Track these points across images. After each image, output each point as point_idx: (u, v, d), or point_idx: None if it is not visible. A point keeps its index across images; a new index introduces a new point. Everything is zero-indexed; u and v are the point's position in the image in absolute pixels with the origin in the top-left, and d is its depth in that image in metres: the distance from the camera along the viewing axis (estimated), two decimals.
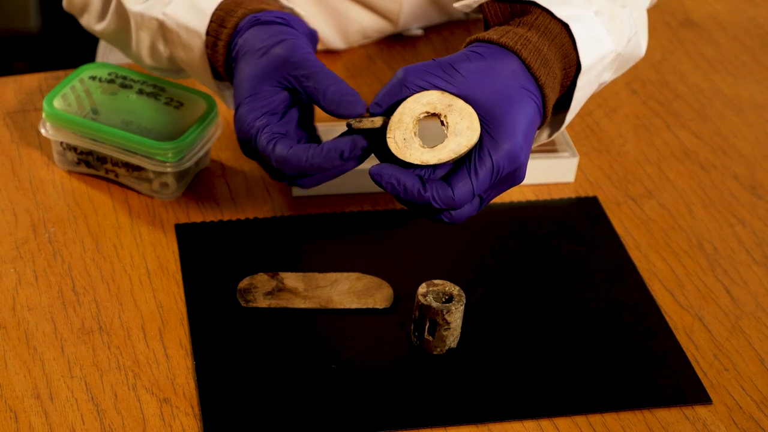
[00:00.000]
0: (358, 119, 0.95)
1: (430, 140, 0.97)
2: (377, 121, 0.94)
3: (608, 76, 1.08)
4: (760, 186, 1.22)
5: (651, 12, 1.44)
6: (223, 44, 1.05)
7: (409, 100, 0.93)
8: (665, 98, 1.33)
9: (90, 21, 1.20)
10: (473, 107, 0.94)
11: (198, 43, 1.06)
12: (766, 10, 1.49)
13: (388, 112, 0.95)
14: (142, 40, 1.13)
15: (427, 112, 0.93)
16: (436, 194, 0.93)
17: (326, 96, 0.97)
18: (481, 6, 1.05)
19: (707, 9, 1.48)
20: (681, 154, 1.26)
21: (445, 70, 0.95)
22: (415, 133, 0.93)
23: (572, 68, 1.01)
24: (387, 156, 0.95)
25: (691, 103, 1.33)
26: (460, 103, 0.93)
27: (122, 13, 1.14)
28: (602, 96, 1.32)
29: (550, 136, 1.06)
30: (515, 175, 0.95)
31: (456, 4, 1.08)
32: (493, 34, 0.99)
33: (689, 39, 1.43)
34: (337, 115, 0.96)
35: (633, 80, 1.35)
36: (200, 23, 1.06)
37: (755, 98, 1.34)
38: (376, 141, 0.96)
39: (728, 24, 1.46)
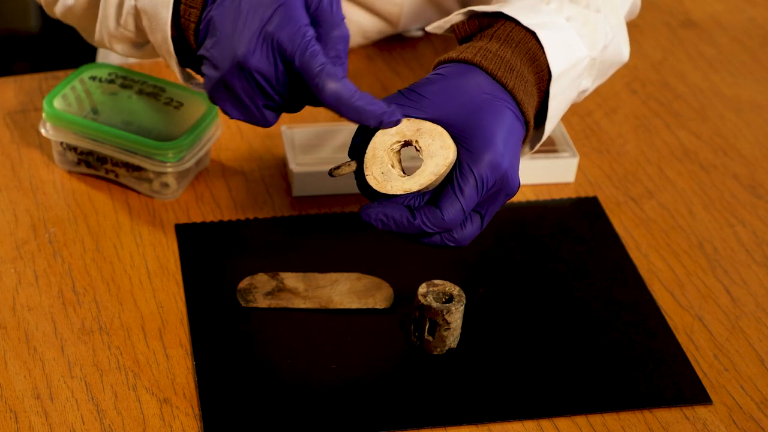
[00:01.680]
0: (335, 167, 0.95)
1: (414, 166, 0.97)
2: (353, 164, 0.95)
3: (587, 83, 1.06)
4: (760, 186, 1.22)
5: (651, 12, 1.44)
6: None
7: (377, 134, 0.94)
8: (665, 98, 1.33)
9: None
10: (445, 127, 0.94)
11: (165, 16, 0.99)
12: (766, 10, 1.49)
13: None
14: (110, 5, 1.06)
15: (399, 141, 0.94)
16: (426, 219, 0.92)
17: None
18: (452, 28, 1.04)
19: (707, 9, 1.48)
20: (681, 154, 1.26)
21: (410, 98, 0.95)
22: (392, 165, 0.94)
23: (543, 73, 1.00)
24: (373, 194, 0.95)
25: (691, 103, 1.33)
26: (428, 125, 0.93)
27: None
28: (602, 96, 1.32)
29: (532, 148, 1.05)
30: (505, 184, 0.94)
31: (427, 28, 1.07)
32: (452, 53, 0.99)
33: (689, 39, 1.43)
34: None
35: (633, 80, 1.35)
36: None
37: (755, 98, 1.34)
38: (359, 183, 0.96)
39: (728, 24, 1.46)
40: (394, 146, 0.94)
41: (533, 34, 1.00)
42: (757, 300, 1.09)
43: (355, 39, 1.35)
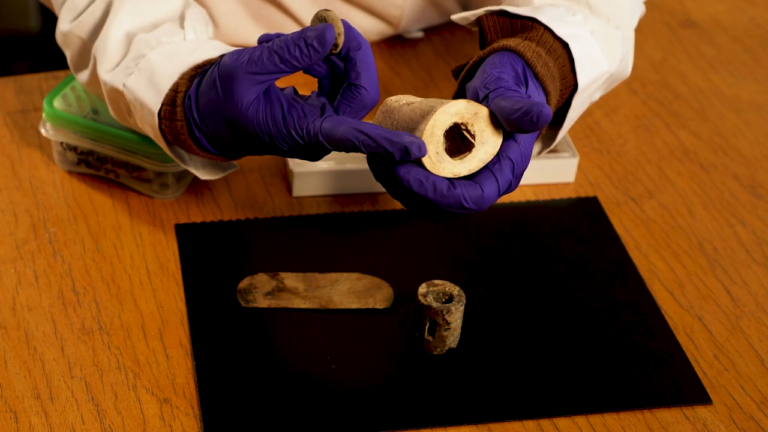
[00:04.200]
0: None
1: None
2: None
3: (597, 96, 1.09)
4: (760, 186, 1.22)
5: (651, 12, 1.44)
6: (182, 97, 0.99)
7: (438, 111, 0.90)
8: (665, 98, 1.33)
9: (71, 64, 1.13)
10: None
11: (152, 121, 1.01)
12: (766, 10, 1.49)
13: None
14: (110, 104, 1.07)
15: (455, 123, 0.92)
16: (465, 193, 0.91)
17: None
18: (479, 19, 1.04)
19: (707, 9, 1.48)
20: (681, 154, 1.26)
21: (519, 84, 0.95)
22: (445, 146, 0.92)
23: (568, 90, 1.02)
24: (385, 173, 0.93)
25: (691, 103, 1.33)
26: (484, 110, 0.92)
27: (95, 70, 1.10)
28: (602, 96, 1.32)
29: (540, 152, 1.06)
30: (522, 173, 0.95)
31: (453, 17, 1.07)
32: (506, 41, 0.99)
33: (689, 39, 1.43)
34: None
35: (633, 80, 1.35)
36: (155, 101, 1.00)
37: (755, 98, 1.34)
38: (372, 163, 0.94)
39: (728, 24, 1.46)
40: (449, 127, 0.92)
41: (565, 44, 1.01)
42: (757, 300, 1.09)
43: None
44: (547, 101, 0.98)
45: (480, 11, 1.04)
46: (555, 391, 0.99)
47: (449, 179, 0.91)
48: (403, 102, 0.95)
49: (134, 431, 0.95)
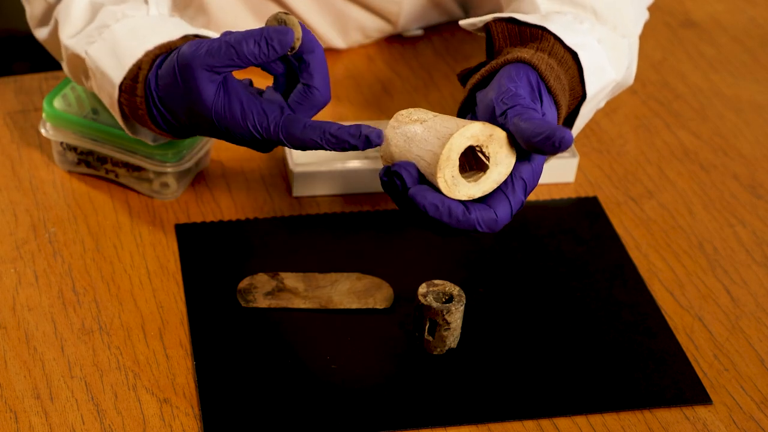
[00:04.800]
0: None
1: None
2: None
3: (603, 103, 1.09)
4: (760, 186, 1.22)
5: (651, 12, 1.44)
6: (144, 77, 1.01)
7: (455, 135, 0.90)
8: (665, 98, 1.33)
9: (32, 23, 1.17)
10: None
11: (111, 92, 1.03)
12: (766, 10, 1.49)
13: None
14: (70, 69, 1.11)
15: (471, 146, 0.92)
16: (480, 218, 0.91)
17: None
18: (486, 25, 1.04)
19: (707, 9, 1.48)
20: (681, 154, 1.26)
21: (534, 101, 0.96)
22: (459, 169, 0.92)
23: (576, 99, 1.02)
24: (399, 194, 0.93)
25: (691, 103, 1.33)
26: (499, 132, 0.92)
27: (56, 33, 1.13)
28: None
29: (546, 160, 1.06)
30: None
31: (461, 23, 1.07)
32: (518, 52, 0.99)
33: (689, 39, 1.43)
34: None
35: (633, 80, 1.35)
36: (117, 74, 1.03)
37: (755, 98, 1.34)
38: (388, 183, 0.94)
39: (728, 24, 1.46)
40: (465, 150, 0.92)
41: (573, 54, 1.01)
42: (757, 300, 1.09)
43: (355, 37, 1.35)
44: (558, 114, 0.98)
45: (488, 17, 1.04)
46: (555, 391, 0.99)
47: (464, 202, 0.91)
48: (414, 118, 0.94)
49: (134, 431, 0.95)
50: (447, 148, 0.90)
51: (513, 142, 0.92)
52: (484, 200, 0.92)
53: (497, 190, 0.93)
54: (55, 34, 1.13)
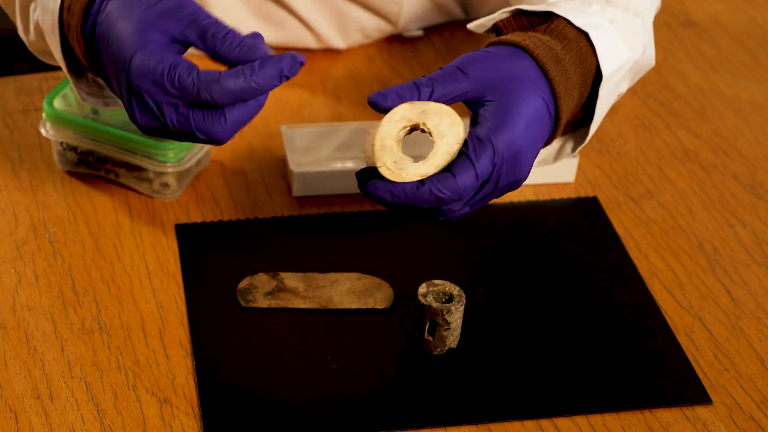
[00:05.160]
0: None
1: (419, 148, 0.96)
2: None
3: (624, 87, 1.06)
4: (760, 186, 1.22)
5: None
6: (80, 6, 0.96)
7: (382, 123, 0.92)
8: (665, 98, 1.33)
9: None
10: (478, 98, 0.93)
11: (52, 5, 0.98)
12: (766, 10, 1.49)
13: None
14: (21, 3, 1.06)
15: (405, 127, 0.92)
16: (436, 186, 0.90)
17: (225, 42, 0.91)
18: (496, 25, 1.04)
19: (707, 9, 1.48)
20: (681, 154, 1.26)
21: (453, 74, 0.94)
22: (403, 152, 0.92)
23: (590, 74, 1.00)
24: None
25: (691, 103, 1.33)
26: (432, 105, 0.92)
27: None
28: None
29: (574, 149, 1.04)
30: (516, 168, 0.93)
31: (470, 26, 1.06)
32: (504, 36, 0.98)
33: (689, 39, 1.43)
34: (240, 61, 0.91)
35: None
36: None
37: (755, 98, 1.34)
38: (362, 182, 0.93)
39: (728, 24, 1.46)
40: (401, 133, 0.92)
41: (585, 34, 0.99)
42: (757, 300, 1.09)
43: (355, 37, 1.35)
44: (555, 93, 0.95)
45: (496, 16, 1.03)
46: (555, 391, 0.99)
47: (421, 181, 0.91)
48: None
49: (134, 431, 0.95)
50: (378, 137, 0.91)
51: (460, 110, 0.92)
52: (448, 168, 0.92)
53: (462, 156, 0.92)
54: None
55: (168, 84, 0.90)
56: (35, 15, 1.03)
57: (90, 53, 0.97)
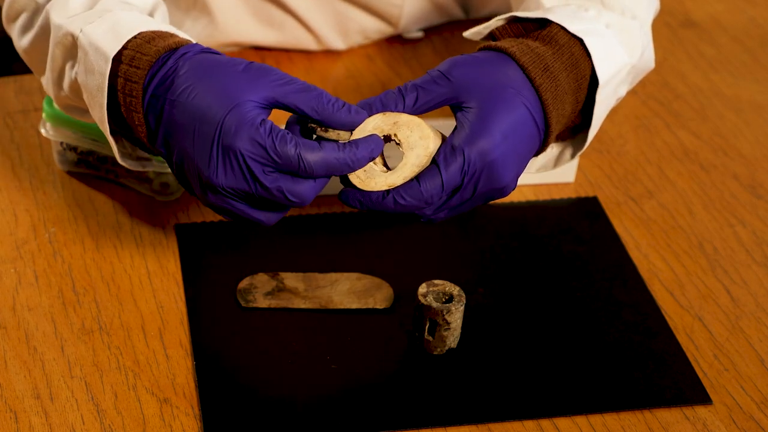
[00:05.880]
0: (323, 129, 0.91)
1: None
2: (343, 135, 0.92)
3: (623, 90, 1.06)
4: (760, 186, 1.22)
5: None
6: (145, 68, 0.93)
7: (354, 133, 0.92)
8: (665, 98, 1.33)
9: (15, 32, 1.09)
10: (459, 103, 0.93)
11: (103, 68, 0.95)
12: (766, 10, 1.49)
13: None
14: (55, 59, 1.01)
15: (385, 137, 0.93)
16: (401, 195, 0.91)
17: (335, 108, 0.92)
18: (492, 33, 1.04)
19: (707, 9, 1.48)
20: (681, 154, 1.26)
21: (438, 80, 0.94)
22: (374, 162, 0.93)
23: (584, 80, 0.99)
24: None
25: (691, 103, 1.33)
26: (404, 117, 0.93)
27: (46, 26, 1.03)
28: None
29: (574, 154, 1.04)
30: (493, 178, 0.93)
31: (465, 34, 1.06)
32: (497, 42, 0.98)
33: (689, 39, 1.43)
34: (349, 124, 0.92)
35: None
36: (112, 46, 0.94)
37: (755, 98, 1.34)
38: (345, 184, 0.94)
39: (728, 24, 1.46)
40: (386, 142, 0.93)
41: (579, 40, 0.99)
42: (757, 300, 1.09)
43: (356, 38, 1.35)
44: (542, 100, 0.95)
45: (491, 23, 1.03)
46: (555, 391, 0.99)
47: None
48: None
49: (134, 431, 0.95)
50: None
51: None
52: (416, 178, 0.92)
53: (431, 165, 0.92)
54: (40, 35, 1.04)
55: (269, 146, 0.89)
56: (73, 73, 1.00)
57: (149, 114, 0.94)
